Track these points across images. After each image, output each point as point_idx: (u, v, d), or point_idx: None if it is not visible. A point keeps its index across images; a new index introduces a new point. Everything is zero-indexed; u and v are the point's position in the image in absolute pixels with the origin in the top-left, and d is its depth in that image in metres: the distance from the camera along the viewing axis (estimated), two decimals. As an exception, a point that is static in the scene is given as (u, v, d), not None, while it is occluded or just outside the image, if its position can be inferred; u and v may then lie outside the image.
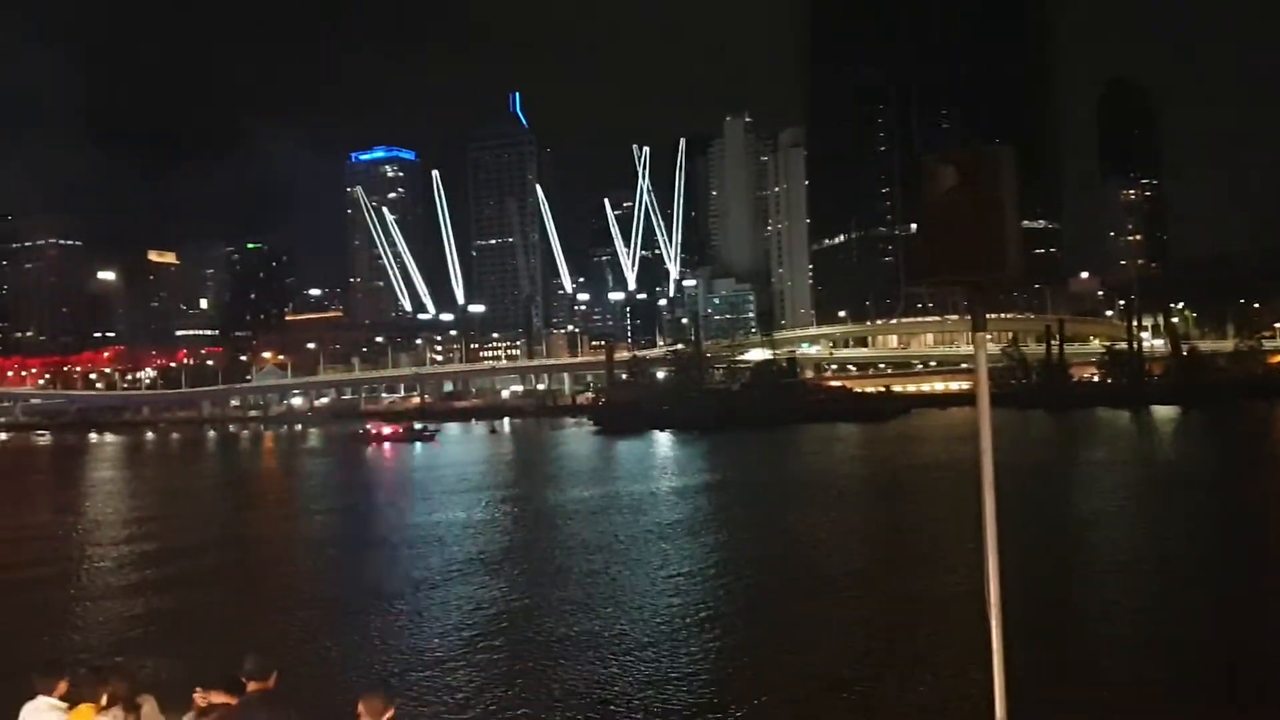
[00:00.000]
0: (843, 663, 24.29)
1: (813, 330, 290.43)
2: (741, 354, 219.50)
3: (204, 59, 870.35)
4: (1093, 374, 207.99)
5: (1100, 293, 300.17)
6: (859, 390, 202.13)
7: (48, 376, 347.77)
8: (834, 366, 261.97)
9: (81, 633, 30.19)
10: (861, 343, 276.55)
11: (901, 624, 27.93)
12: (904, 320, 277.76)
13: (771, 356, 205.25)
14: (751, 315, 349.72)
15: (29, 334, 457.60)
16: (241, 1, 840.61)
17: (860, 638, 26.83)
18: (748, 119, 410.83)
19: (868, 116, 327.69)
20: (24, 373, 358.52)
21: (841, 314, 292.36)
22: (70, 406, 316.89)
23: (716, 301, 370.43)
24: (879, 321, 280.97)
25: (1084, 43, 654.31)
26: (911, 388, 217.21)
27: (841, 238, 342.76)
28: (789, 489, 66.04)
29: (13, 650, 25.15)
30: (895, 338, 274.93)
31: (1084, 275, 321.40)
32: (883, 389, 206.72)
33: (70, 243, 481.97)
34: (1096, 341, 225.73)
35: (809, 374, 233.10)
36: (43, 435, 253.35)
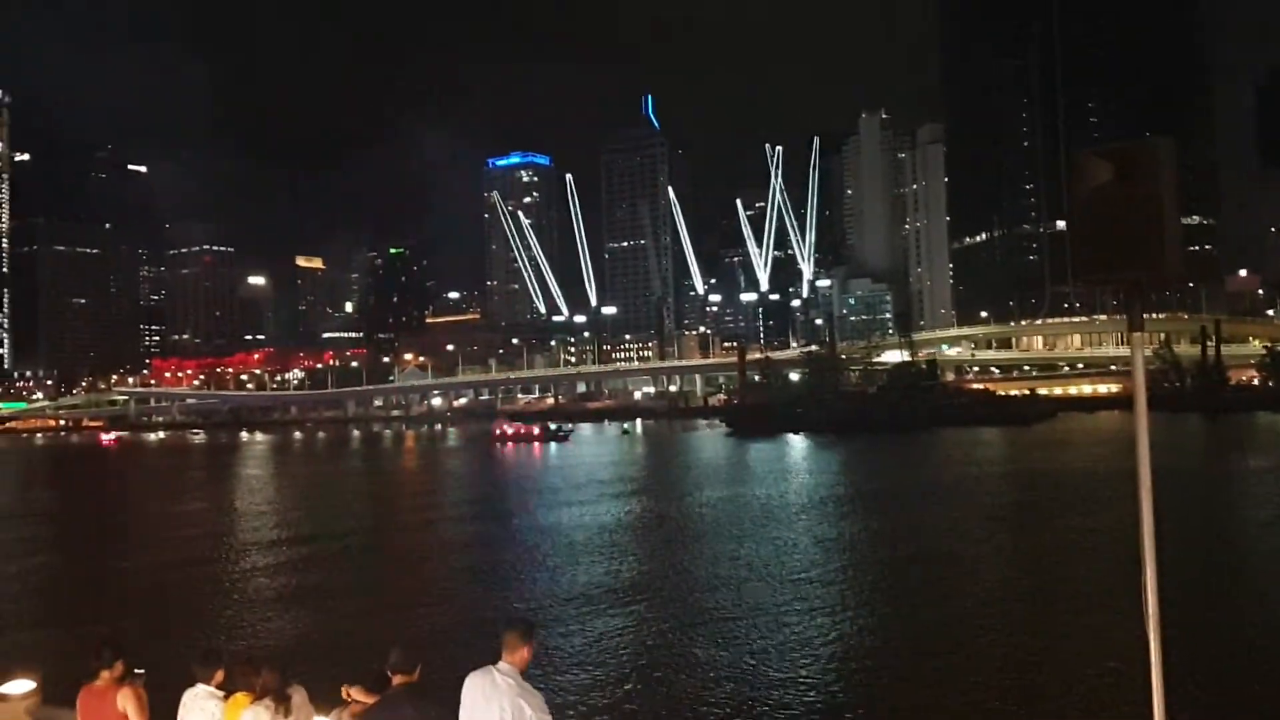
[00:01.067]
0: (995, 693, 23.24)
1: (953, 331, 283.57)
2: (878, 356, 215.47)
3: (346, 70, 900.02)
4: (1251, 377, 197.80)
5: (1260, 291, 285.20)
6: (1002, 393, 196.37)
7: (202, 378, 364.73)
8: (975, 369, 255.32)
9: (234, 623, 31.15)
10: (1004, 344, 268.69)
11: (1057, 656, 26.57)
12: (1049, 321, 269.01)
13: (910, 359, 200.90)
14: (888, 316, 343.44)
15: (185, 337, 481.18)
16: (381, 14, 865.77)
17: (1010, 672, 25.63)
18: (884, 115, 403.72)
19: (1010, 110, 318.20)
20: (180, 374, 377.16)
21: (983, 314, 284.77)
22: (223, 406, 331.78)
23: (852, 302, 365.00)
24: (1023, 322, 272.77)
25: (1242, 29, 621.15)
26: (1058, 391, 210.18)
27: (983, 235, 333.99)
28: (929, 496, 64.26)
29: (173, 637, 26.12)
30: (1040, 339, 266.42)
31: (1242, 273, 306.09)
32: (1027, 392, 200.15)
33: (223, 249, 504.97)
34: (1256, 342, 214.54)
35: (949, 377, 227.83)
36: (197, 434, 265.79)
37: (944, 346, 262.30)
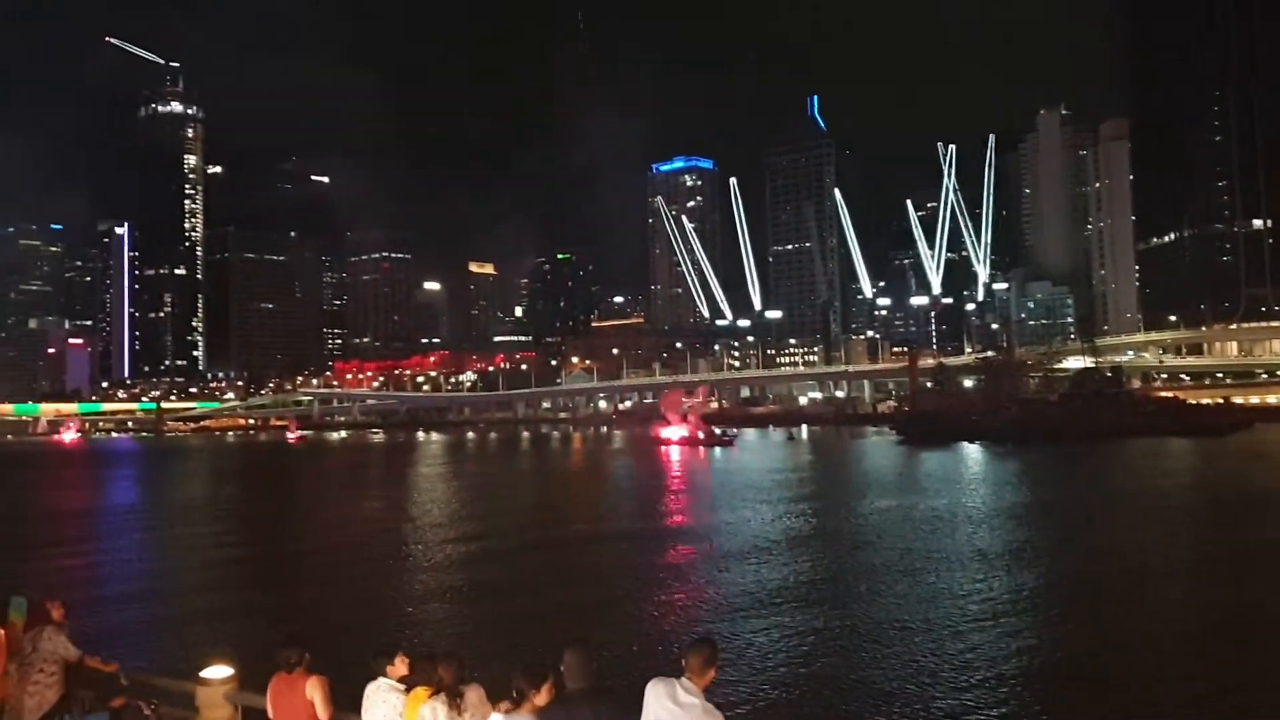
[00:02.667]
0: None
1: (1139, 336, 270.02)
2: (1059, 362, 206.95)
3: (514, 78, 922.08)
4: None
5: None
6: (1193, 402, 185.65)
7: (381, 379, 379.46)
8: (1164, 376, 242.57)
9: (415, 618, 31.80)
10: (1195, 350, 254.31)
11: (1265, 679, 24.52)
12: (1245, 325, 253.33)
13: (1093, 365, 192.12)
14: (1070, 320, 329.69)
15: (365, 340, 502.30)
16: (546, 20, 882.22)
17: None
18: (1064, 111, 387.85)
19: (1200, 103, 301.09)
20: (360, 375, 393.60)
21: (1172, 319, 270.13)
22: (400, 407, 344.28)
23: (1030, 306, 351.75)
24: (1216, 327, 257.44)
25: None
26: (1254, 399, 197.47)
27: (1171, 235, 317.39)
28: (1115, 508, 60.95)
29: (356, 631, 26.83)
30: (1235, 344, 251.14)
31: None
32: (1220, 401, 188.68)
33: (400, 256, 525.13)
34: None
35: (1135, 384, 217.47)
36: (376, 433, 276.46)
37: (1129, 352, 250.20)
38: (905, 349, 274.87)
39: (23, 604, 12.65)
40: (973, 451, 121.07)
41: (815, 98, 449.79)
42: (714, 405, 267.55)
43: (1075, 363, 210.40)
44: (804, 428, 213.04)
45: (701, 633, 22.72)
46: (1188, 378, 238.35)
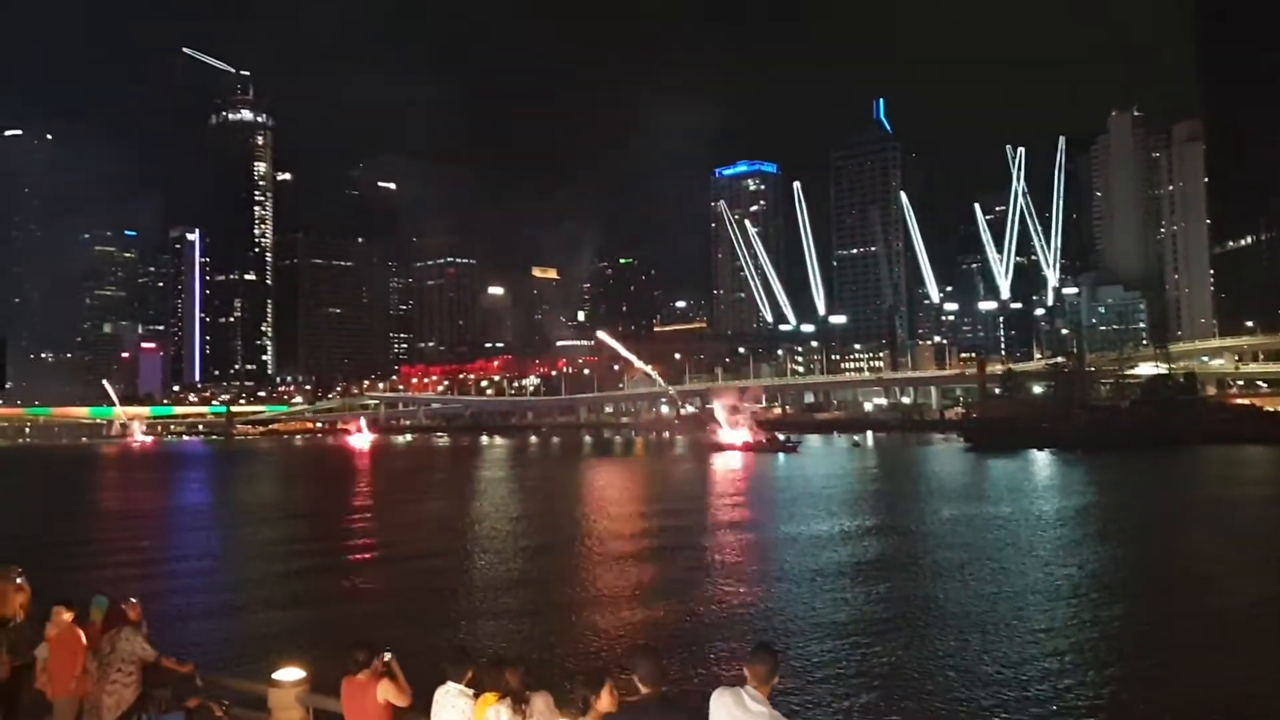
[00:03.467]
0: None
1: (1215, 342, 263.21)
2: (1131, 368, 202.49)
3: (578, 82, 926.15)
4: None
5: None
6: (1271, 409, 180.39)
7: (446, 383, 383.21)
8: (1239, 383, 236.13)
9: (483, 623, 31.92)
10: (1273, 356, 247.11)
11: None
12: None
13: (1166, 371, 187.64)
14: (1142, 326, 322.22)
15: (430, 344, 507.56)
16: (606, 28, 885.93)
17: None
18: (1136, 113, 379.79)
19: (1276, 105, 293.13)
20: (426, 379, 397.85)
21: (1249, 324, 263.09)
22: (465, 411, 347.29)
23: (1101, 311, 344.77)
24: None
25: None
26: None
27: (1248, 239, 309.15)
28: (1192, 517, 59.45)
29: (424, 635, 26.98)
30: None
31: None
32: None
33: (465, 261, 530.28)
34: None
35: (1210, 391, 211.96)
36: (441, 436, 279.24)
37: (1204, 358, 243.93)
38: (973, 355, 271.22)
39: (104, 603, 13.02)
40: (1042, 459, 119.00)
41: (881, 100, 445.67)
42: (776, 411, 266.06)
43: (1147, 369, 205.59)
44: (869, 434, 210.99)
45: (763, 641, 22.41)
46: (1265, 385, 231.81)
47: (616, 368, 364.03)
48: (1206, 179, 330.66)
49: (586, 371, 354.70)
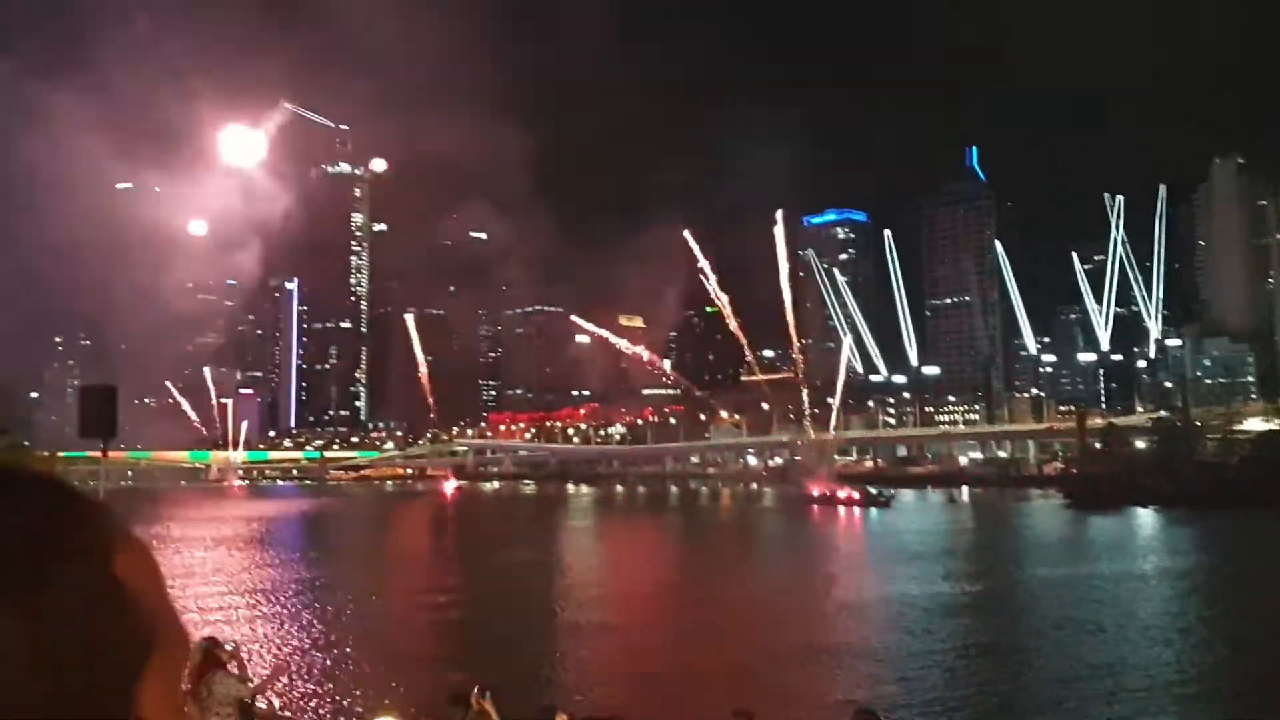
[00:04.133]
0: None
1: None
2: (1239, 423, 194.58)
3: (668, 127, 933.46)
4: None
5: None
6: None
7: (533, 431, 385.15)
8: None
9: (569, 675, 30.98)
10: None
11: None
12: None
13: (1276, 427, 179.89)
14: (1251, 379, 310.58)
15: (518, 391, 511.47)
16: (700, 70, 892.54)
17: None
18: (1240, 160, 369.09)
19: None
20: (514, 426, 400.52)
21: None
22: (551, 459, 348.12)
23: (1207, 364, 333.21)
24: None
25: None
26: None
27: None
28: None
29: (513, 685, 26.05)
30: None
31: None
32: None
33: (553, 309, 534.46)
34: None
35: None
36: (528, 484, 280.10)
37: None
38: (1072, 408, 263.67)
39: (203, 647, 13.13)
40: (1146, 516, 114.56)
41: (975, 148, 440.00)
42: (868, 464, 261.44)
43: (1257, 424, 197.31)
44: (964, 489, 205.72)
45: (863, 702, 21.36)
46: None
47: (703, 417, 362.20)
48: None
49: (672, 421, 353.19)
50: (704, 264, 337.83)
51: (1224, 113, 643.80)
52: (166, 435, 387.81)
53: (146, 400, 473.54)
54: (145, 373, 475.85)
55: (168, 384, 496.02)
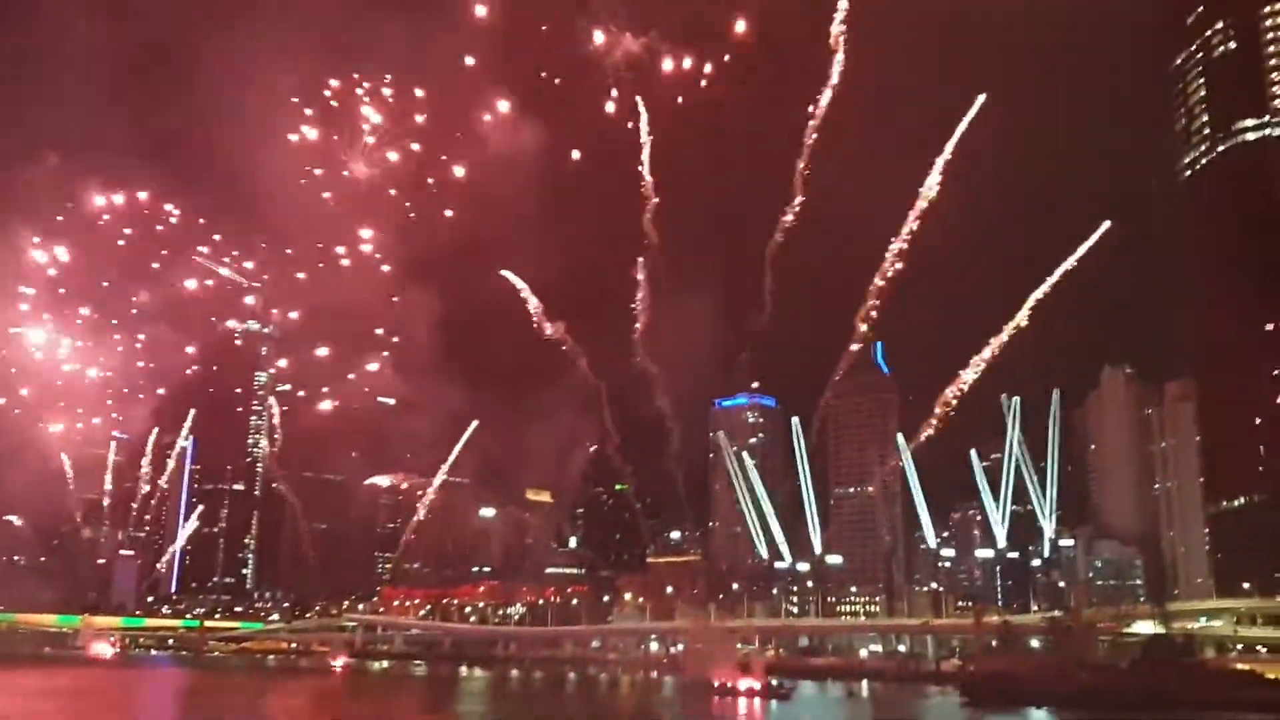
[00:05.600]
0: None
1: (1212, 603, 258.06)
2: (1128, 625, 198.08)
3: (578, 313, 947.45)
4: None
5: None
6: (1272, 676, 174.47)
7: (429, 608, 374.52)
8: (1239, 646, 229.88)
9: None
10: (1273, 620, 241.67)
11: None
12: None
13: (1164, 631, 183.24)
14: (1139, 583, 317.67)
15: (416, 566, 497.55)
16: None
17: None
18: (1128, 369, 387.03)
19: (1266, 367, 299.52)
20: (409, 603, 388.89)
21: (1246, 585, 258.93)
22: (445, 640, 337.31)
23: (1098, 565, 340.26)
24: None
25: None
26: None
27: (1242, 500, 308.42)
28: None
29: None
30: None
31: None
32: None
33: (458, 480, 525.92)
34: None
35: (1209, 653, 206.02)
36: (419, 665, 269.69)
37: (1202, 619, 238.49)
38: (969, 603, 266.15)
39: None
40: (1041, 718, 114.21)
41: (880, 344, 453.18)
42: (770, 654, 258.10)
43: (1145, 627, 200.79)
44: (864, 683, 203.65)
45: None
46: (1266, 649, 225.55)
47: (607, 598, 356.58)
48: (1199, 438, 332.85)
49: (575, 602, 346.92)
50: (613, 439, 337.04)
51: (1115, 324, 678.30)
52: (35, 596, 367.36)
53: (16, 557, 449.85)
54: (14, 528, 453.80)
55: (44, 541, 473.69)
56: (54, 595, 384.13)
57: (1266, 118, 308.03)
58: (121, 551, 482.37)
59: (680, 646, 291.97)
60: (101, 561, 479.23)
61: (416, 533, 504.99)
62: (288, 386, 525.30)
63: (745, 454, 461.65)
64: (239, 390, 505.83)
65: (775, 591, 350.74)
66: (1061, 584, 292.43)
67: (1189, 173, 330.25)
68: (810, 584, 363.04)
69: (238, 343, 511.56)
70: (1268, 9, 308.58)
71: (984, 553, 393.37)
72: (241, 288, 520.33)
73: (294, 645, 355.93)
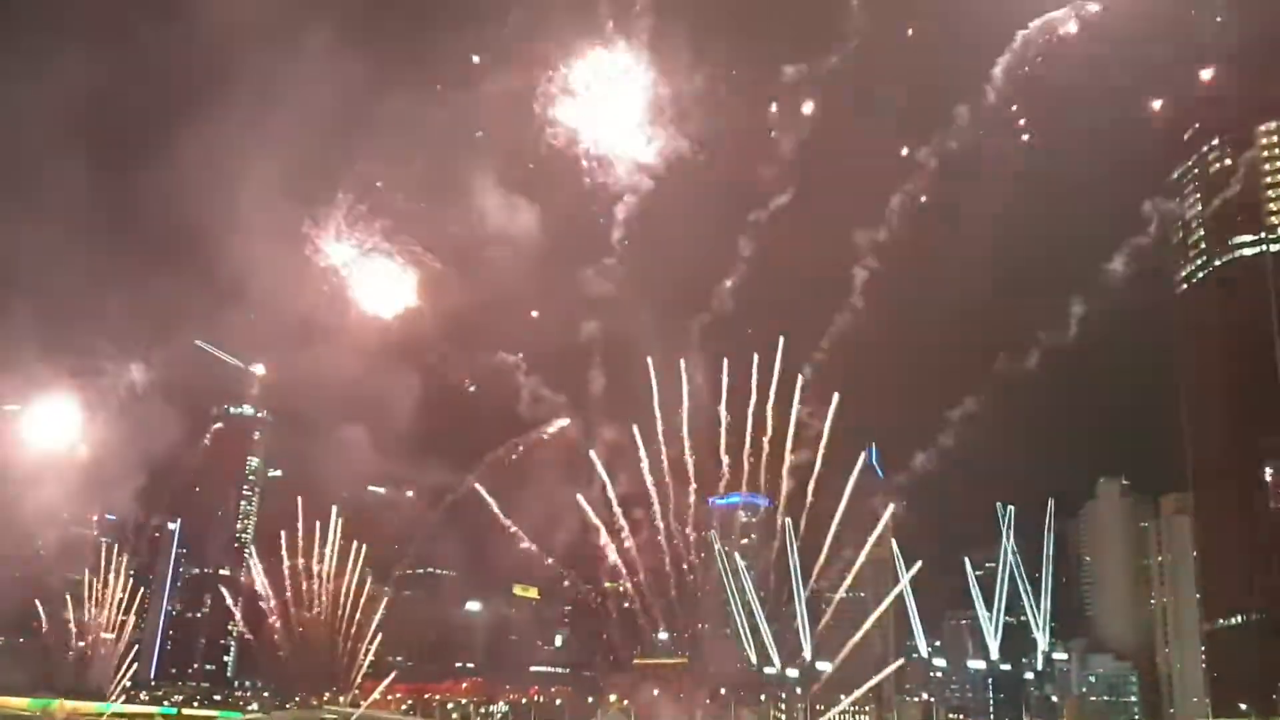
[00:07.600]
0: None
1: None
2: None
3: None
4: None
5: None
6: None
7: (410, 703, 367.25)
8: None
9: None
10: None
11: None
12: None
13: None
14: (1134, 699, 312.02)
15: (399, 659, 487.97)
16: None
17: None
18: (1124, 482, 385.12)
19: (1262, 484, 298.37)
20: (390, 697, 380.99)
21: (1242, 706, 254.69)
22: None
23: (1092, 679, 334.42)
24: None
25: None
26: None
27: (1238, 618, 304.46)
28: None
29: None
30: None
31: None
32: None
33: (446, 573, 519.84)
34: None
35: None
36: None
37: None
38: (960, 716, 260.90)
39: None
40: None
41: (874, 447, 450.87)
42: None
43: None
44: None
45: None
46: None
47: (590, 699, 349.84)
48: (1195, 553, 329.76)
49: (559, 702, 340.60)
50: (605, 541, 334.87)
51: (1110, 435, 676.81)
52: (8, 678, 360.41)
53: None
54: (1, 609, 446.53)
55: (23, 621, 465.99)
56: (28, 677, 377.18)
57: (1262, 234, 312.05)
58: (102, 634, 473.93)
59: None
60: (80, 644, 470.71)
61: (398, 625, 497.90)
62: (279, 473, 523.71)
63: (737, 555, 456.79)
64: (231, 475, 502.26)
65: (763, 698, 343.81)
66: (1054, 698, 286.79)
67: (1184, 286, 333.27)
68: (799, 691, 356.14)
69: (232, 428, 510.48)
70: (1263, 126, 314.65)
71: (976, 663, 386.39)
72: (237, 370, 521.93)
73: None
